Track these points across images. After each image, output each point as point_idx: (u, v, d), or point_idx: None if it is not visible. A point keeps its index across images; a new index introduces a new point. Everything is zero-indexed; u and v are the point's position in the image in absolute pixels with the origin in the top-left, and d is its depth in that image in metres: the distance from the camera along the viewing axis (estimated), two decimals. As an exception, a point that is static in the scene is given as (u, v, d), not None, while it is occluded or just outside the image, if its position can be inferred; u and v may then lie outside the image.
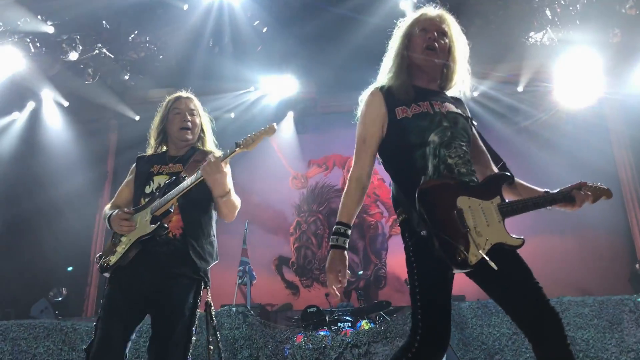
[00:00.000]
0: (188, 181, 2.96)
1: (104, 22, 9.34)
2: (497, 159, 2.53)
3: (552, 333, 2.17)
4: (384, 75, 2.59)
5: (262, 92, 11.10)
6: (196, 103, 3.44)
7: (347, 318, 7.10)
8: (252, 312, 6.32)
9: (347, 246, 2.36)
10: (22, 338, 6.28)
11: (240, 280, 7.82)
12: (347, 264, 2.34)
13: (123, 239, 3.02)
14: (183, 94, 3.47)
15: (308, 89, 11.00)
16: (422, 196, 2.18)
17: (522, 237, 2.27)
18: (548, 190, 2.46)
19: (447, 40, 2.54)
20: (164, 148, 3.42)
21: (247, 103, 11.25)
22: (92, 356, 2.78)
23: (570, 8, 8.63)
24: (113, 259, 2.97)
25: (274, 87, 10.91)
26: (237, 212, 3.19)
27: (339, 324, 6.88)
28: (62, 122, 11.12)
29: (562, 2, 8.62)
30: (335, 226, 2.38)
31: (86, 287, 10.61)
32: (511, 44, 9.50)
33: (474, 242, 2.12)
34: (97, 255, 3.15)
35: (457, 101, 2.60)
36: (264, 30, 9.60)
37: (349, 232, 2.37)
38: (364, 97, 2.55)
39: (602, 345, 5.69)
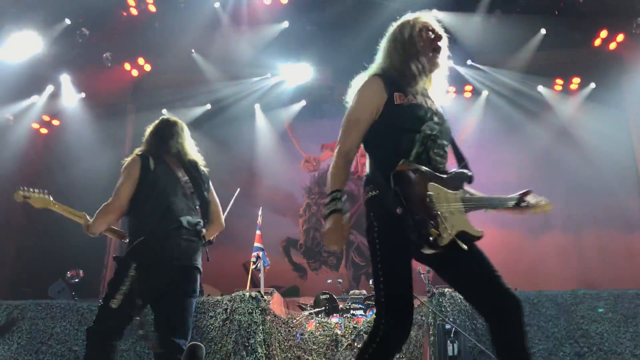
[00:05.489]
0: None
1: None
2: (460, 158, 2.66)
3: (511, 317, 2.31)
4: (383, 62, 2.71)
5: (278, 79, 11.11)
6: None
7: (360, 305, 7.12)
8: (265, 298, 6.37)
9: (344, 209, 2.47)
10: (40, 318, 6.40)
11: (254, 266, 7.85)
12: (346, 225, 2.45)
13: None
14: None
15: (325, 76, 10.96)
16: (397, 176, 2.32)
17: (481, 230, 2.42)
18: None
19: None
20: None
21: (265, 89, 11.27)
22: None
23: None
24: None
25: (291, 74, 10.93)
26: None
27: (351, 312, 6.91)
28: (81, 105, 11.23)
29: None
30: (330, 195, 2.49)
31: (102, 270, 10.73)
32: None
33: (444, 225, 2.25)
34: None
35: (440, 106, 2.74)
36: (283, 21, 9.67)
37: (343, 197, 2.49)
38: (361, 80, 2.67)
39: (616, 339, 5.65)
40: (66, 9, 9.31)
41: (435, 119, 2.56)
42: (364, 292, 7.92)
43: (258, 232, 8.10)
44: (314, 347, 6.15)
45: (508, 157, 10.51)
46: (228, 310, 6.08)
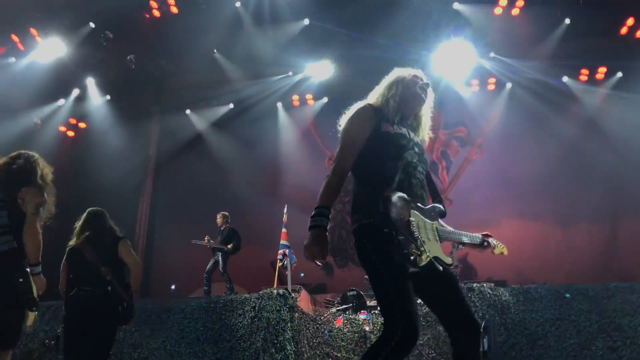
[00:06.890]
0: None
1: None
2: (435, 194, 2.99)
3: (469, 339, 2.64)
4: (377, 96, 2.99)
5: (300, 77, 11.13)
6: None
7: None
8: (293, 295, 6.39)
9: (327, 226, 2.71)
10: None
11: (281, 264, 7.89)
12: (327, 242, 2.69)
13: None
14: None
15: (346, 73, 10.93)
16: (386, 201, 2.56)
17: (450, 259, 2.73)
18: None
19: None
20: None
21: (286, 87, 11.31)
22: None
23: None
24: None
25: (313, 71, 10.94)
26: None
27: (379, 308, 6.89)
28: (106, 107, 11.40)
29: None
30: (317, 209, 2.71)
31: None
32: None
33: (423, 247, 2.50)
34: None
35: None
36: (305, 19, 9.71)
37: (329, 214, 2.73)
38: (355, 107, 2.93)
39: (650, 332, 5.55)
40: (90, 13, 9.44)
41: (416, 149, 2.86)
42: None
43: (284, 229, 8.14)
44: (343, 343, 6.17)
45: (534, 149, 10.37)
46: (256, 308, 6.13)
